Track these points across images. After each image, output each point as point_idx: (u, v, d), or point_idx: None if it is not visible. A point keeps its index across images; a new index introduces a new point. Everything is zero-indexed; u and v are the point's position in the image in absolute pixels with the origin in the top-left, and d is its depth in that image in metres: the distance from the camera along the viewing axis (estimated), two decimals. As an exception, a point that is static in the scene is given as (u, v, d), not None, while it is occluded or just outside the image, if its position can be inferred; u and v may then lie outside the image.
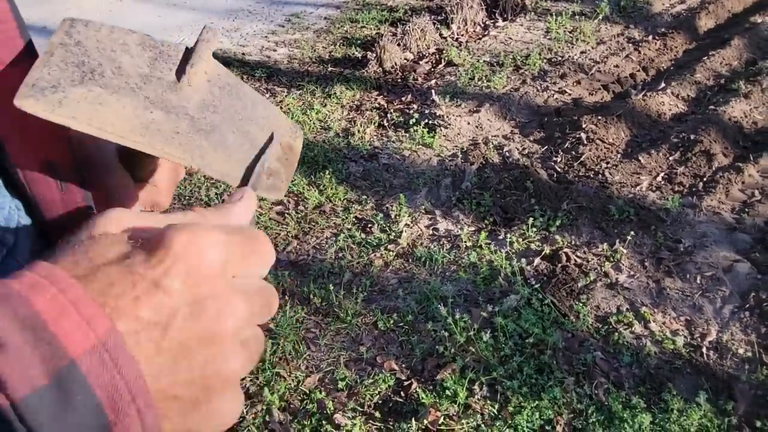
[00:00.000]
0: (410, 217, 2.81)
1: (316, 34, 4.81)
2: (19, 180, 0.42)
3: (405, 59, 4.25)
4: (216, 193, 3.01)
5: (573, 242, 2.65)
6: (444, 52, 4.31)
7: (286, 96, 3.83)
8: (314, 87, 3.92)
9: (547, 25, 4.70)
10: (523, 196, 2.89)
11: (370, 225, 2.78)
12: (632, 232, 2.62)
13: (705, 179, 3.01)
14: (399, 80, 4.02)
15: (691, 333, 2.25)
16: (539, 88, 3.86)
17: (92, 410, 0.27)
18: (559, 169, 3.12)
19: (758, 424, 1.91)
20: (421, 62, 4.24)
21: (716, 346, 2.19)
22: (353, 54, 4.37)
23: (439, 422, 1.92)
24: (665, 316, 2.32)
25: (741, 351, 2.17)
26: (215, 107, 0.47)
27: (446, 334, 2.18)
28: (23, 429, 0.25)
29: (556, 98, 3.77)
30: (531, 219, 2.70)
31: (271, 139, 0.51)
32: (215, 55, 0.48)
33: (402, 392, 2.05)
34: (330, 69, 4.21)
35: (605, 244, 2.62)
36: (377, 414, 1.98)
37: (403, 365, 2.14)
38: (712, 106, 3.51)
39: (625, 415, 1.91)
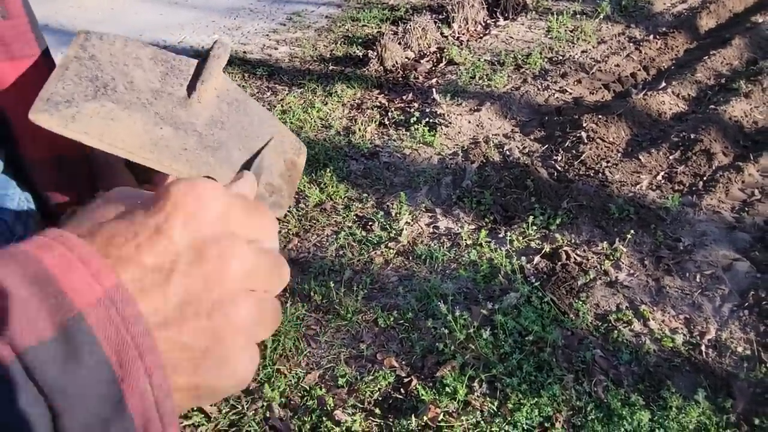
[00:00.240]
0: (411, 215, 2.82)
1: (317, 33, 4.82)
2: (30, 173, 0.43)
3: (406, 58, 4.26)
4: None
5: (573, 240, 2.66)
6: (445, 50, 4.32)
7: (287, 94, 3.84)
8: (315, 85, 3.93)
9: (548, 24, 4.70)
10: (524, 195, 2.90)
11: (370, 223, 2.79)
12: (632, 231, 2.63)
13: (705, 178, 3.01)
14: (400, 79, 4.03)
15: (690, 331, 2.26)
16: (540, 87, 3.87)
17: (100, 364, 0.27)
18: (559, 168, 3.13)
19: (756, 421, 1.92)
20: (422, 61, 4.25)
21: (715, 345, 2.20)
22: (354, 52, 4.38)
23: (439, 419, 1.93)
24: (664, 314, 2.33)
25: (740, 349, 2.18)
26: (223, 123, 0.48)
27: (446, 331, 2.19)
28: (30, 383, 0.25)
29: (557, 97, 3.78)
30: (531, 217, 2.71)
31: (266, 144, 0.51)
32: None
33: (402, 389, 2.06)
34: (331, 67, 4.21)
35: (605, 242, 2.63)
36: (377, 411, 1.99)
37: (403, 362, 2.15)
38: (712, 106, 3.51)
39: (624, 413, 1.92)
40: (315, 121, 3.55)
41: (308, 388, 2.06)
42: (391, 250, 2.63)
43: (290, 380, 2.09)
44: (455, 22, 4.66)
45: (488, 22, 4.85)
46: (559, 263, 2.52)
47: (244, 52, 4.46)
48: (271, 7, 5.37)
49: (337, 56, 4.38)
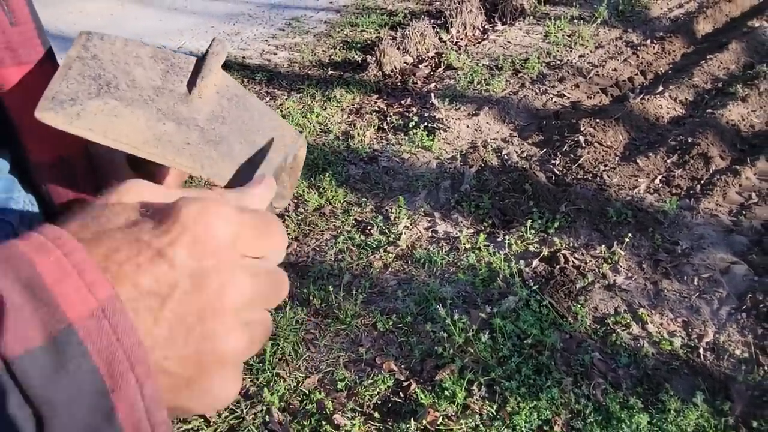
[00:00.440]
0: (409, 219, 2.83)
1: (316, 38, 4.84)
2: (35, 175, 0.44)
3: (404, 63, 4.27)
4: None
5: (571, 244, 2.67)
6: (443, 55, 4.34)
7: (286, 99, 3.86)
8: (314, 90, 3.94)
9: (545, 29, 4.72)
10: (522, 199, 2.91)
11: (369, 227, 2.80)
12: (630, 234, 2.64)
13: (702, 182, 3.03)
14: (398, 84, 4.05)
15: (688, 334, 2.26)
16: (538, 91, 3.88)
17: (89, 375, 0.26)
18: (557, 172, 3.14)
19: (755, 424, 1.92)
20: (420, 66, 4.26)
21: (713, 347, 2.20)
22: (353, 58, 4.40)
23: (438, 422, 1.93)
24: (663, 317, 2.33)
25: (738, 352, 2.18)
26: (224, 118, 0.49)
27: (445, 335, 2.20)
28: (16, 390, 0.25)
29: (555, 101, 3.80)
30: (529, 221, 2.72)
31: (270, 143, 0.53)
32: None
33: (401, 393, 2.06)
34: (330, 72, 4.23)
35: (603, 246, 2.64)
36: (376, 414, 1.99)
37: (402, 366, 2.16)
38: (709, 110, 3.53)
39: (622, 416, 1.92)
40: (314, 126, 3.56)
41: (307, 392, 2.06)
42: (390, 254, 2.63)
43: (289, 384, 2.09)
44: (453, 27, 4.69)
45: (486, 27, 4.87)
46: (558, 267, 2.53)
47: (243, 57, 4.48)
48: (270, 12, 5.39)
49: (336, 61, 4.39)
